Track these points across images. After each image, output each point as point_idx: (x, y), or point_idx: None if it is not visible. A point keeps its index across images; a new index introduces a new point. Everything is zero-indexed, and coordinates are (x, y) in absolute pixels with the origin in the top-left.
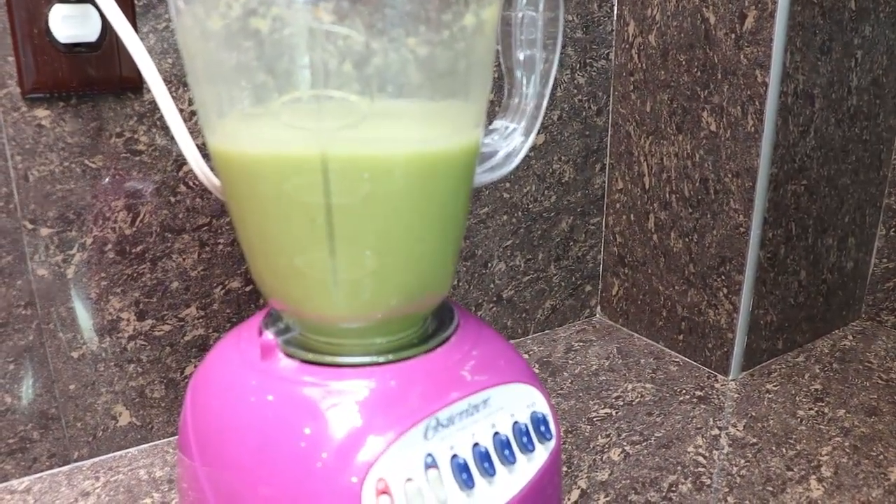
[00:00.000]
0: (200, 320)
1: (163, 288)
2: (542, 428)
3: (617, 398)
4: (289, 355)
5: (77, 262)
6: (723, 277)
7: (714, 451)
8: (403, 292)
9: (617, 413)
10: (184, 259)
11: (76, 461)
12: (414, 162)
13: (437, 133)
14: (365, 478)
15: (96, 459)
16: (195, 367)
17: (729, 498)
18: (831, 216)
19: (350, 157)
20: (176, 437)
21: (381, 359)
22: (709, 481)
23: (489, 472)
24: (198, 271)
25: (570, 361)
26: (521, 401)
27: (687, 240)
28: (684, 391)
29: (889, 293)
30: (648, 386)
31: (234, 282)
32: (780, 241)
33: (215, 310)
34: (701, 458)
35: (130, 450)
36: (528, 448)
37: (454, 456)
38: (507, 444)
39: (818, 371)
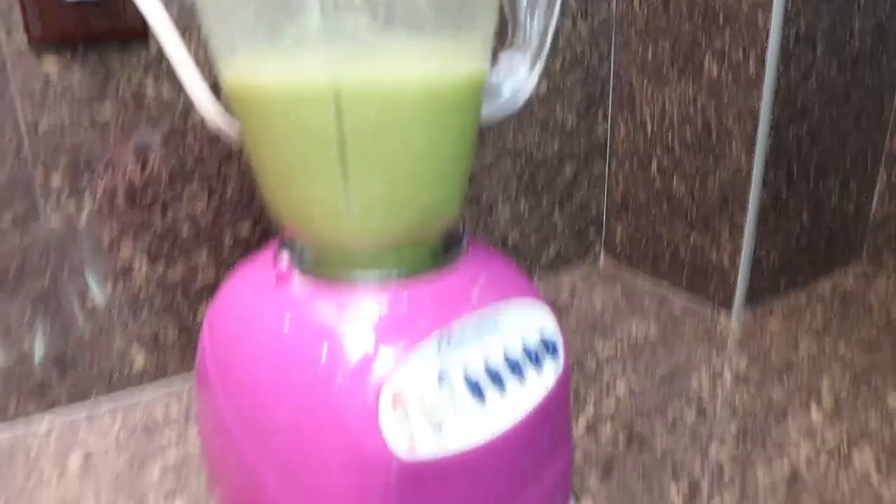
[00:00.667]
0: (211, 265)
1: (173, 234)
2: (551, 345)
3: (622, 337)
4: (302, 279)
5: (89, 210)
6: (725, 219)
7: (717, 384)
8: (414, 217)
9: (622, 350)
10: (193, 206)
11: (94, 404)
12: (423, 92)
13: (445, 64)
14: (381, 391)
15: (113, 402)
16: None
17: (731, 426)
18: (833, 160)
19: (361, 87)
20: (190, 379)
21: (394, 279)
22: (712, 411)
23: (501, 387)
24: (207, 218)
25: (576, 303)
26: (530, 318)
27: (689, 183)
28: (688, 330)
29: (890, 236)
30: (653, 325)
31: (242, 228)
32: (781, 184)
33: (225, 256)
34: (704, 391)
35: (145, 392)
36: (538, 363)
37: (466, 371)
38: (517, 361)
39: (819, 309)
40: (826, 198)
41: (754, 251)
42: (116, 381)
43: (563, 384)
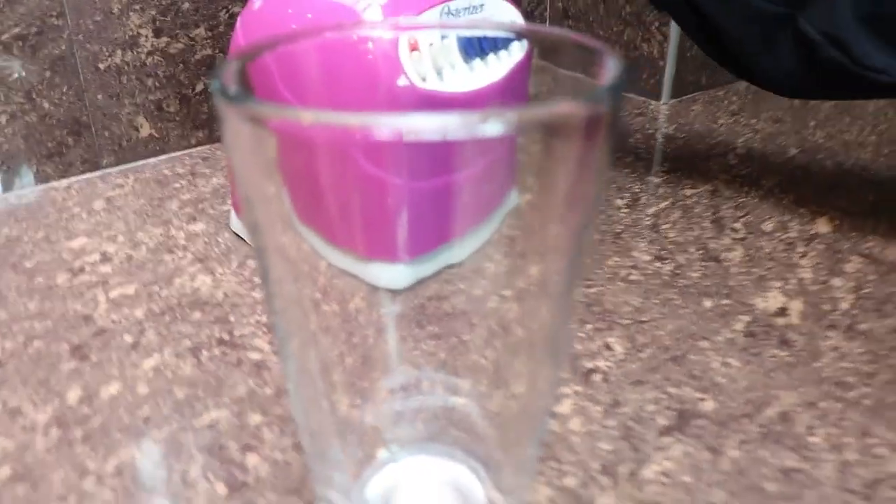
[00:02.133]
0: (208, 41)
1: (175, 8)
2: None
3: None
4: None
5: None
6: (654, 13)
7: (650, 140)
8: None
9: None
10: None
11: (105, 167)
12: None
13: None
14: (399, 39)
15: (123, 166)
16: (204, 84)
17: (664, 164)
18: None
19: None
20: (190, 148)
21: None
22: (646, 156)
23: (483, 54)
24: None
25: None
26: (506, 13)
27: None
28: (624, 111)
29: None
30: None
31: (236, 6)
32: None
33: (221, 32)
34: (640, 145)
35: (150, 159)
36: (509, 45)
37: (460, 36)
38: (496, 39)
39: (735, 98)
40: None
41: (679, 41)
42: (125, 146)
43: (526, 65)
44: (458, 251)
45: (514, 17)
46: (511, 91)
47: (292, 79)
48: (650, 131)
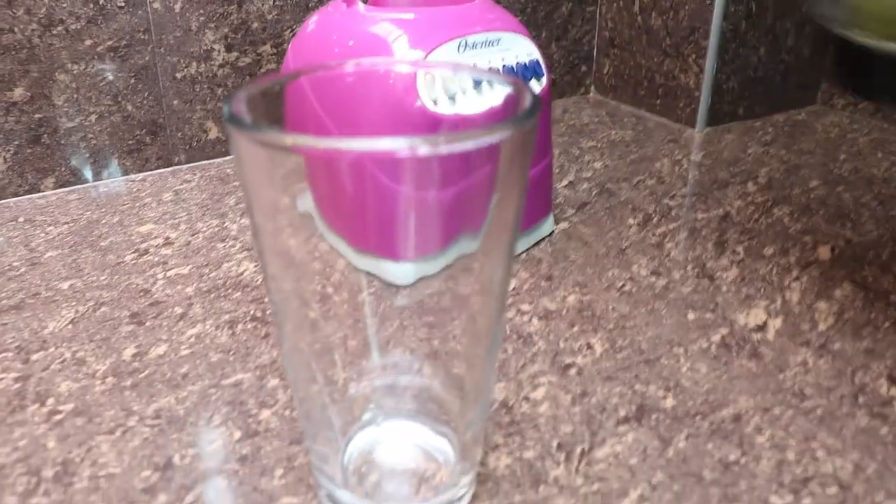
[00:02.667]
0: (273, 56)
1: (246, 27)
2: (537, 68)
3: (602, 136)
4: (364, 6)
5: None
6: (692, 45)
7: (676, 167)
8: None
9: (602, 145)
10: (262, 4)
11: (177, 164)
12: None
13: None
14: (418, 70)
15: (192, 164)
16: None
17: (683, 189)
18: (790, 1)
19: None
20: None
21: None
22: (669, 180)
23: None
24: (273, 15)
25: (566, 118)
26: (524, 47)
27: (664, 17)
28: (657, 136)
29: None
30: (629, 132)
31: (298, 27)
32: (741, 17)
33: (284, 49)
34: (665, 169)
35: (216, 159)
36: (526, 78)
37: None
38: (511, 68)
39: (770, 130)
40: (783, 36)
41: (716, 73)
42: (195, 146)
43: (546, 100)
44: (446, 256)
45: (530, 48)
46: (506, 115)
47: (325, 99)
48: (678, 157)
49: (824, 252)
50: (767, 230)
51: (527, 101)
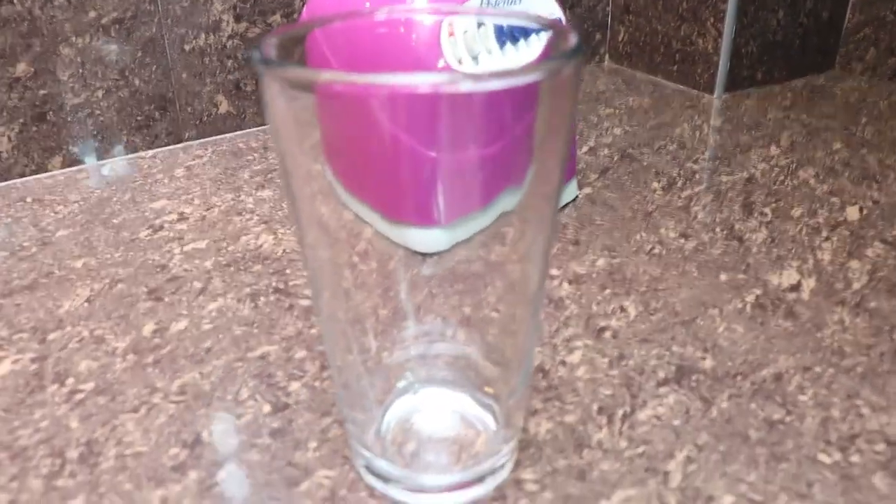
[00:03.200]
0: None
1: None
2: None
3: (620, 103)
4: None
5: None
6: (709, 8)
7: (696, 132)
8: None
9: (620, 112)
10: None
11: (187, 140)
12: None
13: None
14: (441, 25)
15: (203, 139)
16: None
17: (706, 153)
18: None
19: None
20: (265, 124)
21: None
22: (690, 144)
23: (516, 41)
24: None
25: (581, 87)
26: (544, 6)
27: None
28: (675, 102)
29: (859, 43)
30: (646, 99)
31: None
32: None
33: (295, 18)
34: (686, 134)
35: (227, 134)
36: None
37: (496, 24)
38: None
39: (790, 94)
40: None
41: (735, 37)
42: (206, 121)
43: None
44: (484, 218)
45: (552, 7)
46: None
47: (342, 55)
48: (698, 122)
49: (853, 212)
50: (794, 192)
51: (571, 41)
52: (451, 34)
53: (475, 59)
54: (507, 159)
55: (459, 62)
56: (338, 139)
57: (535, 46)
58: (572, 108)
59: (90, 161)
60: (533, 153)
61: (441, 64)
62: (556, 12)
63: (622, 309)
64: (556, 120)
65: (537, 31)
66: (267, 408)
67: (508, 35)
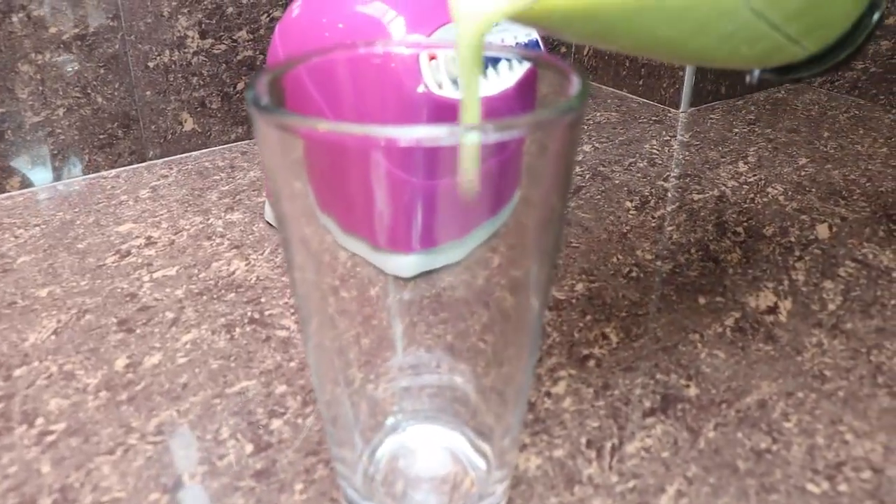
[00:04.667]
0: (250, 43)
1: (220, 12)
2: (535, 49)
3: (587, 119)
4: None
5: None
6: None
7: (665, 147)
8: None
9: (588, 128)
10: None
11: (151, 159)
12: None
13: None
14: (420, 52)
15: (167, 158)
16: (245, 83)
17: (675, 170)
18: None
19: None
20: (230, 143)
21: None
22: (660, 161)
23: (495, 66)
24: (249, 0)
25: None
26: (521, 27)
27: None
28: (643, 117)
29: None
30: (613, 113)
31: (276, 11)
32: None
33: (262, 35)
34: (654, 151)
35: (193, 152)
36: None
37: None
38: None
39: (753, 108)
40: None
41: None
42: (170, 139)
43: (533, 74)
44: (465, 246)
45: (532, 33)
46: (520, 97)
47: (324, 86)
48: (666, 138)
49: (823, 230)
50: (764, 210)
51: (574, 86)
52: (433, 58)
53: (455, 83)
54: (491, 187)
55: (440, 87)
56: (324, 172)
57: (517, 70)
58: (572, 154)
59: (50, 181)
60: (520, 179)
61: (421, 89)
62: (533, 33)
63: (604, 336)
64: (553, 167)
65: (521, 61)
66: (249, 447)
67: (490, 58)
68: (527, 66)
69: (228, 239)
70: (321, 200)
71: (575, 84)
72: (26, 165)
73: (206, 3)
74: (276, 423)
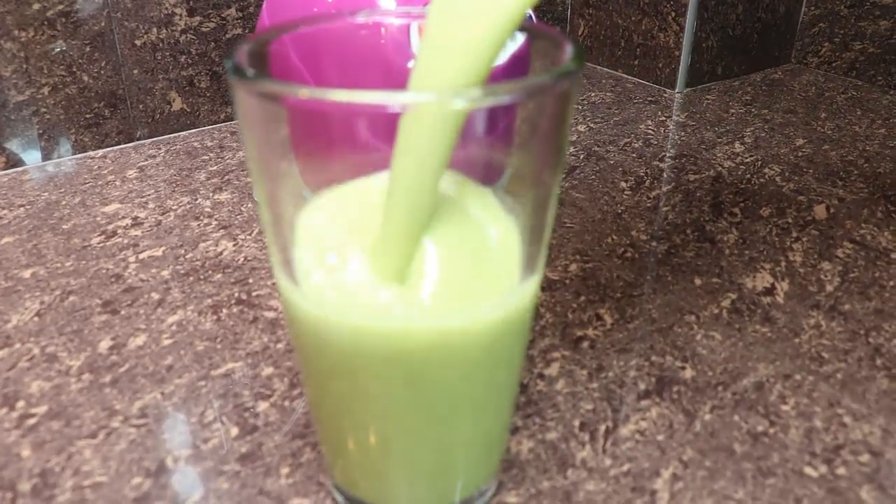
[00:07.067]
0: (238, 21)
1: None
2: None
3: (582, 99)
4: None
5: None
6: (671, 3)
7: (661, 128)
8: None
9: (582, 108)
10: None
11: (139, 139)
12: None
13: None
14: (410, 26)
15: (155, 138)
16: None
17: (671, 151)
18: None
19: None
20: (220, 122)
21: None
22: (656, 142)
23: None
24: None
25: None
26: None
27: None
28: (638, 98)
29: (814, 37)
30: (608, 94)
31: None
32: None
33: (251, 12)
34: (650, 130)
35: (181, 132)
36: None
37: None
38: None
39: (749, 89)
40: None
41: (695, 31)
42: (158, 119)
43: (527, 49)
44: None
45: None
46: (513, 72)
47: (309, 58)
48: (662, 119)
49: (820, 211)
50: (761, 191)
51: (568, 54)
52: (420, 32)
53: None
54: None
55: None
56: (307, 142)
57: (510, 46)
58: (565, 129)
59: (36, 161)
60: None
61: (411, 64)
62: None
63: (598, 317)
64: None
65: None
66: (234, 430)
67: None
68: (520, 41)
69: (216, 219)
70: (306, 175)
71: (569, 52)
72: (11, 145)
73: None
74: (262, 406)
